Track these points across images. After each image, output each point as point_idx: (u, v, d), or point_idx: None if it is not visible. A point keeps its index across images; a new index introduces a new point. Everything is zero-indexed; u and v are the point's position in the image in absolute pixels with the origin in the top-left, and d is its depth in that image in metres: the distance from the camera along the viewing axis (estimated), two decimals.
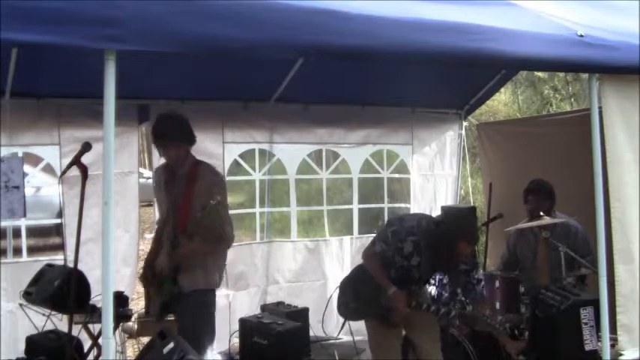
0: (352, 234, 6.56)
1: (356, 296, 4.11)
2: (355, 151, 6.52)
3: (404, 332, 4.26)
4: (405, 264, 3.97)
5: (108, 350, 2.72)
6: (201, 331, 3.94)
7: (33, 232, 5.52)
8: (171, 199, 4.08)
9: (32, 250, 5.40)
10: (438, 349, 4.11)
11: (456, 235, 3.86)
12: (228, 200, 4.14)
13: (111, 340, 2.75)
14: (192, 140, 4.06)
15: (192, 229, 3.93)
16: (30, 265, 4.85)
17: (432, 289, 4.77)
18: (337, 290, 4.30)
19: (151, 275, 4.09)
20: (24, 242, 5.25)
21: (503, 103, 12.66)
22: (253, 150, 6.17)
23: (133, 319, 4.54)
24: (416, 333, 4.15)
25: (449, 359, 4.33)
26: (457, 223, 4.01)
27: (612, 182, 3.77)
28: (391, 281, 3.96)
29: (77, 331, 4.25)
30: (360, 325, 5.68)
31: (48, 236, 6.72)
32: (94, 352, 4.35)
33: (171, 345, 3.19)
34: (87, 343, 4.43)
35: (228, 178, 5.97)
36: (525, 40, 3.49)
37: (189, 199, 3.95)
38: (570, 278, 4.64)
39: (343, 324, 4.36)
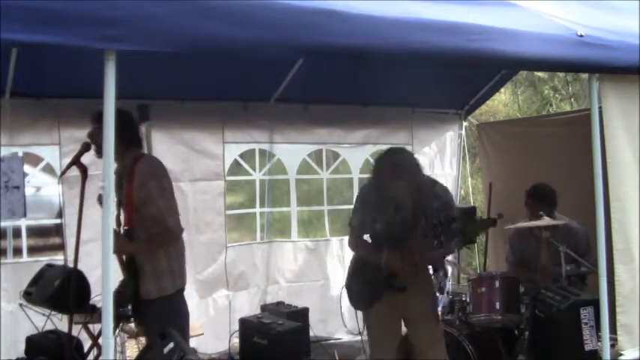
0: None
1: (362, 284, 4.07)
2: (355, 151, 6.53)
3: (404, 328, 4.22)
4: (384, 226, 3.92)
5: (108, 350, 2.72)
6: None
7: (33, 232, 5.53)
8: (118, 199, 3.87)
9: (32, 250, 5.40)
10: (435, 350, 4.03)
11: (382, 173, 3.87)
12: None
13: (111, 340, 2.74)
14: (122, 137, 3.50)
15: (143, 226, 3.78)
16: (30, 265, 4.85)
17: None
18: (344, 290, 4.23)
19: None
20: (24, 242, 5.25)
21: (503, 103, 12.64)
22: (253, 150, 6.18)
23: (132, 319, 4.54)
24: (415, 333, 4.11)
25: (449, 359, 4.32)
26: (379, 160, 3.97)
27: (612, 182, 3.77)
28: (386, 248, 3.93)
29: (77, 331, 4.25)
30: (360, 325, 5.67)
31: (48, 236, 6.73)
32: (94, 352, 4.35)
33: (171, 345, 3.18)
34: (87, 343, 4.43)
35: (228, 178, 5.99)
36: (525, 40, 3.49)
37: (131, 196, 3.77)
38: (571, 274, 4.65)
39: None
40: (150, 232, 3.79)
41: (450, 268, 4.88)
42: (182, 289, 3.95)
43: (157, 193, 3.77)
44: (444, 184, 4.37)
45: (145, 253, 3.81)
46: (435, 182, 4.12)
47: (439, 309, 4.36)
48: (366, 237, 4.14)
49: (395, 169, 3.85)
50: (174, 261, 3.89)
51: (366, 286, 4.01)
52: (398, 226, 3.91)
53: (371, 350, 4.19)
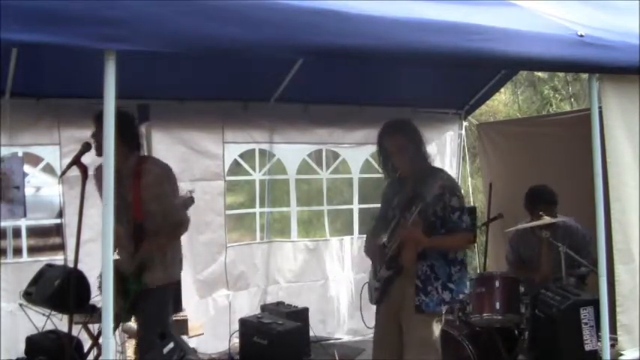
0: (352, 234, 6.57)
1: (375, 278, 4.03)
2: (355, 151, 6.53)
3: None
4: (393, 211, 3.92)
5: (108, 350, 2.72)
6: (158, 325, 3.91)
7: (33, 232, 5.53)
8: (119, 198, 3.95)
9: (32, 250, 5.40)
10: (412, 352, 3.80)
11: (380, 138, 3.88)
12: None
13: (111, 340, 2.75)
14: (124, 139, 3.79)
15: (152, 221, 3.97)
16: (30, 265, 4.86)
17: None
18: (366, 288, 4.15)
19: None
20: (24, 242, 5.25)
21: (503, 103, 12.64)
22: (253, 150, 6.18)
23: (133, 319, 4.53)
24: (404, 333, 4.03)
25: (449, 359, 4.32)
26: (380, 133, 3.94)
27: (612, 182, 3.77)
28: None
29: (77, 331, 4.25)
30: (359, 325, 5.68)
31: (48, 236, 6.72)
32: (94, 352, 4.35)
33: (171, 345, 3.19)
34: (87, 343, 4.44)
35: (228, 178, 5.99)
36: (525, 40, 3.49)
37: (139, 194, 3.93)
38: (571, 278, 4.64)
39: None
40: (163, 225, 3.99)
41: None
42: (179, 282, 4.24)
43: (172, 192, 4.06)
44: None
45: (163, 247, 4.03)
46: (439, 170, 4.08)
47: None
48: None
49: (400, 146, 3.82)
50: (177, 251, 4.14)
51: (378, 280, 3.99)
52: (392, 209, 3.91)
53: (372, 348, 4.17)
